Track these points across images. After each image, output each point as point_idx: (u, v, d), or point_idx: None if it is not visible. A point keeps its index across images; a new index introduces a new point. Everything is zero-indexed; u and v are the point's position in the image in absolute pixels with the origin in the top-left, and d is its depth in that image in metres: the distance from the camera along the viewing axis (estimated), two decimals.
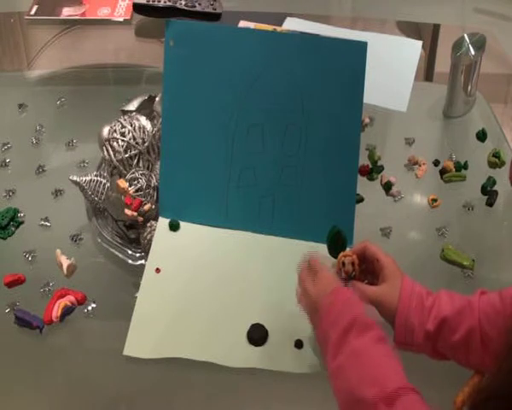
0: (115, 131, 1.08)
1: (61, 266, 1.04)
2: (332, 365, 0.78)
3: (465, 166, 1.22)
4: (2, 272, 1.04)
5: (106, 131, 1.10)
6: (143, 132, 1.09)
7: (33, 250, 1.08)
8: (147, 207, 1.05)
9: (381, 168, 1.21)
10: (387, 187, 1.18)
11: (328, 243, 1.01)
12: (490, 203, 1.16)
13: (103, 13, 1.61)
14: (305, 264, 0.90)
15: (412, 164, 1.23)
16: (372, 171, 1.21)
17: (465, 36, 1.29)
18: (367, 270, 0.91)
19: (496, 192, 1.17)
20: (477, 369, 0.83)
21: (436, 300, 0.84)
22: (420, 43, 1.52)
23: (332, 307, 0.81)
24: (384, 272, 0.87)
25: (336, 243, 1.00)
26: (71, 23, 1.60)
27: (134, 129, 1.08)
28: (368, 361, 0.75)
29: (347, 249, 1.00)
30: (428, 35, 1.59)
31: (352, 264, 0.91)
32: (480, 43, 1.28)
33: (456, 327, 0.81)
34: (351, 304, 0.81)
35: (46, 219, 1.14)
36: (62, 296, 0.99)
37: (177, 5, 1.50)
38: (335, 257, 1.02)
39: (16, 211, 1.14)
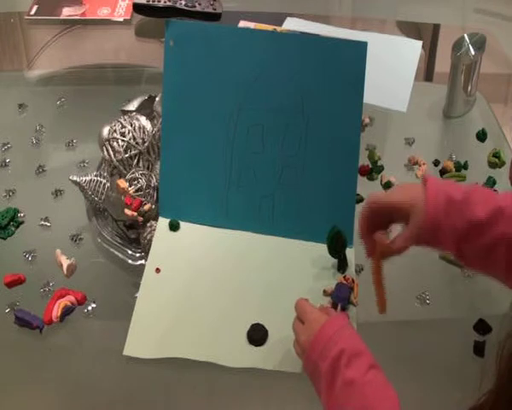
0: (115, 131, 1.08)
1: (61, 266, 1.04)
2: (326, 396, 0.77)
3: (465, 167, 1.22)
4: (2, 272, 1.04)
5: (106, 131, 1.10)
6: (143, 132, 1.09)
7: (33, 250, 1.08)
8: (147, 207, 1.05)
9: (381, 168, 1.21)
10: (387, 187, 1.18)
11: (328, 243, 1.01)
12: None
13: (103, 13, 1.61)
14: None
15: (412, 164, 1.23)
16: (372, 171, 1.21)
17: (465, 36, 1.29)
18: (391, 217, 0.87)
19: (496, 192, 1.17)
20: (497, 278, 0.82)
21: (468, 197, 0.80)
22: (420, 43, 1.52)
23: (320, 340, 0.80)
24: (406, 210, 0.83)
25: (336, 243, 1.01)
26: (71, 23, 1.60)
27: (134, 129, 1.08)
28: (361, 393, 0.75)
29: (348, 249, 1.00)
30: (428, 35, 1.59)
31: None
32: (479, 44, 1.28)
33: (487, 231, 0.78)
34: (339, 334, 0.80)
35: (46, 219, 1.14)
36: (62, 296, 0.99)
37: (177, 5, 1.50)
38: (335, 257, 1.03)
39: (16, 211, 1.14)
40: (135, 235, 1.09)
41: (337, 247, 1.01)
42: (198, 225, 1.09)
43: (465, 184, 0.83)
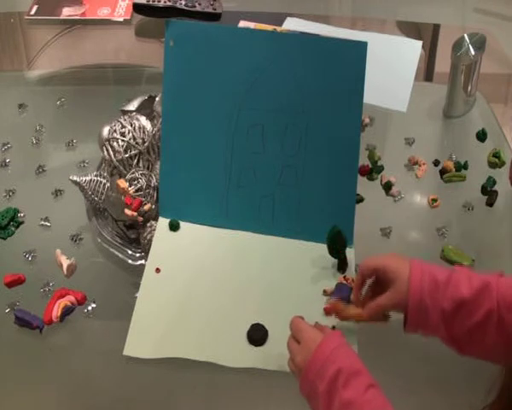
0: (115, 131, 1.08)
1: (61, 266, 1.04)
2: None
3: (465, 167, 1.22)
4: (2, 272, 1.04)
5: (106, 131, 1.10)
6: (143, 132, 1.09)
7: (33, 250, 1.08)
8: (147, 207, 1.05)
9: (381, 168, 1.21)
10: (387, 187, 1.18)
11: (328, 243, 1.01)
12: (490, 203, 1.16)
13: (103, 13, 1.61)
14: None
15: (412, 164, 1.23)
16: (372, 171, 1.21)
17: (465, 36, 1.29)
18: (378, 282, 0.89)
19: (496, 192, 1.17)
20: (489, 359, 0.81)
21: (452, 277, 0.81)
22: (420, 43, 1.52)
23: (317, 360, 0.79)
24: (389, 276, 0.86)
25: (336, 243, 1.01)
26: (71, 23, 1.60)
27: (134, 129, 1.08)
28: None
29: (350, 274, 1.00)
30: (428, 35, 1.59)
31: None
32: (479, 44, 1.28)
33: (474, 310, 0.79)
34: (336, 354, 0.79)
35: (46, 219, 1.14)
36: (62, 296, 0.99)
37: (177, 5, 1.50)
38: (335, 257, 1.02)
39: (16, 211, 1.14)
40: (135, 235, 1.09)
41: (337, 247, 1.01)
42: (198, 225, 1.09)
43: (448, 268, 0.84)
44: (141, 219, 1.05)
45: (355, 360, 0.79)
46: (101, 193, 1.09)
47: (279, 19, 1.56)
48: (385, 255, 0.89)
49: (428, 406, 0.90)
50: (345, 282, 0.99)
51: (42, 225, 1.13)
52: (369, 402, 0.74)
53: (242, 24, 1.52)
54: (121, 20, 1.60)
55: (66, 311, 0.98)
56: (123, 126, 1.08)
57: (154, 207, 1.08)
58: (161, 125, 1.10)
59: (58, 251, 1.05)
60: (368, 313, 0.88)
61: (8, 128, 1.32)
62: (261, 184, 1.09)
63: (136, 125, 1.09)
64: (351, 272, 1.02)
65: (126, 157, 1.07)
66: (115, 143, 1.07)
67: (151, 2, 1.50)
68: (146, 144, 1.09)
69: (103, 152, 1.09)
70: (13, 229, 1.12)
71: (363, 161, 1.21)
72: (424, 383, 0.91)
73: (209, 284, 1.02)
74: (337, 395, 0.75)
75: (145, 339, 0.95)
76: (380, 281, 0.88)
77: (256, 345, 0.95)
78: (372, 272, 0.89)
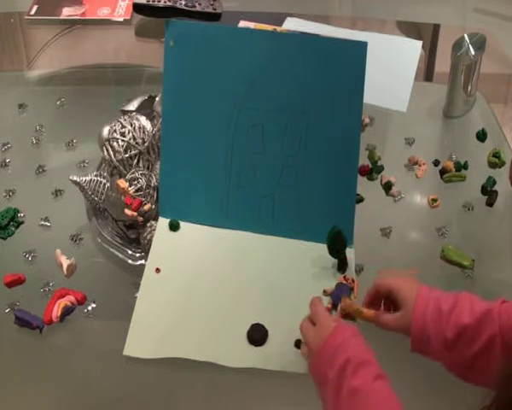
0: (115, 131, 1.08)
1: (61, 266, 1.04)
2: (332, 404, 0.77)
3: (465, 167, 1.22)
4: (2, 272, 1.04)
5: (106, 131, 1.10)
6: (143, 132, 1.09)
7: (33, 250, 1.08)
8: (147, 207, 1.05)
9: (381, 168, 1.21)
10: (387, 187, 1.18)
11: (328, 243, 1.01)
12: (490, 203, 1.16)
13: (103, 13, 1.61)
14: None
15: (412, 164, 1.23)
16: (372, 171, 1.21)
17: (465, 36, 1.29)
18: (389, 302, 0.90)
19: (496, 192, 1.17)
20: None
21: (456, 305, 0.82)
22: (420, 43, 1.52)
23: (329, 347, 0.80)
24: (400, 299, 0.86)
25: (336, 244, 1.01)
26: (71, 23, 1.60)
27: (134, 129, 1.08)
28: (366, 402, 0.75)
29: (350, 275, 1.00)
30: (428, 35, 1.59)
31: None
32: (479, 44, 1.28)
33: (476, 336, 0.79)
34: (348, 343, 0.80)
35: (46, 219, 1.14)
36: (62, 296, 0.99)
37: (177, 5, 1.50)
38: (335, 257, 1.02)
39: (16, 211, 1.14)
40: (135, 235, 1.09)
41: (337, 247, 1.01)
42: (198, 225, 1.09)
43: (453, 293, 0.85)
44: (141, 219, 1.05)
45: (365, 350, 0.80)
46: (101, 193, 1.09)
47: (279, 19, 1.56)
48: (401, 278, 0.89)
49: (425, 405, 0.90)
50: (345, 282, 0.99)
51: (42, 225, 1.13)
52: (376, 392, 0.75)
53: (242, 24, 1.52)
54: (121, 20, 1.60)
55: (66, 311, 0.98)
56: (123, 126, 1.08)
57: (154, 207, 1.08)
58: (161, 125, 1.10)
59: (58, 251, 1.05)
60: (376, 323, 0.89)
61: (8, 128, 1.32)
62: (261, 184, 1.09)
63: (136, 125, 1.09)
64: (351, 272, 1.02)
65: (126, 157, 1.07)
66: (115, 143, 1.07)
67: (151, 2, 1.50)
68: (146, 144, 1.09)
69: (103, 152, 1.09)
70: (13, 229, 1.12)
71: (363, 161, 1.21)
72: (420, 382, 0.92)
73: (209, 284, 1.02)
74: (345, 382, 0.76)
75: (145, 339, 0.95)
76: (392, 300, 0.89)
77: (256, 345, 0.95)
78: (386, 292, 0.89)
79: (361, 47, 1.04)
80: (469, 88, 1.31)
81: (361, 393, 0.75)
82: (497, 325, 0.79)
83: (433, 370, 0.87)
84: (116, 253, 1.08)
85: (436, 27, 1.61)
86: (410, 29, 1.61)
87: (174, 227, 1.08)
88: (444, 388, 0.90)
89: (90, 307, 1.01)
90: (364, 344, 0.81)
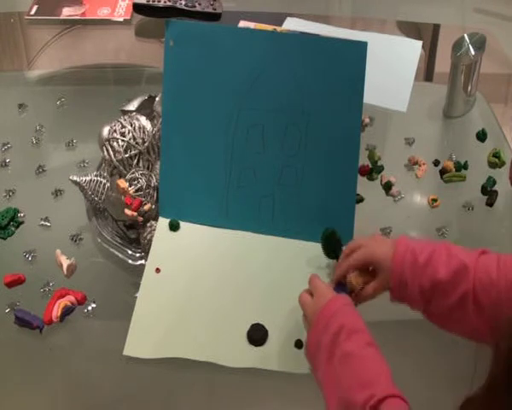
0: (115, 131, 1.08)
1: (61, 266, 1.04)
2: (324, 369, 0.79)
3: (465, 167, 1.22)
4: (2, 272, 1.04)
5: (106, 131, 1.10)
6: (143, 132, 1.09)
7: (33, 250, 1.08)
8: (147, 207, 1.05)
9: (381, 168, 1.21)
10: (387, 187, 1.18)
11: (322, 243, 1.01)
12: (490, 203, 1.16)
13: (103, 13, 1.61)
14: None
15: (412, 164, 1.23)
16: (372, 171, 1.21)
17: (465, 36, 1.29)
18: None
19: (496, 192, 1.17)
20: (471, 338, 0.83)
21: (432, 258, 0.83)
22: (420, 43, 1.52)
23: (324, 316, 0.82)
24: (377, 263, 0.89)
25: (331, 244, 1.01)
26: (71, 23, 1.60)
27: (134, 129, 1.08)
28: (358, 365, 0.77)
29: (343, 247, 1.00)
30: (428, 35, 1.59)
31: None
32: (479, 44, 1.28)
33: (450, 291, 0.81)
34: (342, 311, 0.82)
35: (46, 219, 1.14)
36: (62, 296, 0.99)
37: (177, 5, 1.50)
38: (330, 258, 1.02)
39: (16, 211, 1.14)
40: (135, 235, 1.09)
41: (332, 247, 1.01)
42: (198, 225, 1.09)
43: (434, 242, 0.86)
44: (141, 219, 1.05)
45: (358, 319, 0.82)
46: (101, 193, 1.09)
47: (279, 19, 1.56)
48: (369, 244, 0.91)
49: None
50: (344, 282, 0.99)
51: (42, 225, 1.13)
52: (368, 356, 0.77)
53: (242, 24, 1.52)
54: (121, 20, 1.60)
55: (66, 311, 0.98)
56: (123, 126, 1.08)
57: (154, 207, 1.08)
58: (161, 125, 1.10)
59: (58, 251, 1.05)
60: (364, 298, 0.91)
61: (8, 128, 1.32)
62: (261, 184, 1.09)
63: (136, 125, 1.09)
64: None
65: (126, 157, 1.07)
66: (115, 143, 1.07)
67: (151, 3, 1.50)
68: (146, 144, 1.09)
69: (103, 152, 1.09)
70: (13, 229, 1.12)
71: (363, 161, 1.21)
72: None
73: (209, 284, 1.02)
74: (339, 347, 0.78)
75: (145, 339, 0.95)
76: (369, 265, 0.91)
77: (256, 345, 0.95)
78: (364, 264, 0.91)
79: (361, 47, 1.04)
80: (469, 88, 1.31)
81: (353, 356, 0.77)
82: (471, 283, 0.80)
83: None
84: (116, 253, 1.08)
85: (436, 27, 1.61)
86: (410, 29, 1.61)
87: (174, 227, 1.08)
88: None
89: (90, 307, 1.01)
90: (357, 313, 0.83)
